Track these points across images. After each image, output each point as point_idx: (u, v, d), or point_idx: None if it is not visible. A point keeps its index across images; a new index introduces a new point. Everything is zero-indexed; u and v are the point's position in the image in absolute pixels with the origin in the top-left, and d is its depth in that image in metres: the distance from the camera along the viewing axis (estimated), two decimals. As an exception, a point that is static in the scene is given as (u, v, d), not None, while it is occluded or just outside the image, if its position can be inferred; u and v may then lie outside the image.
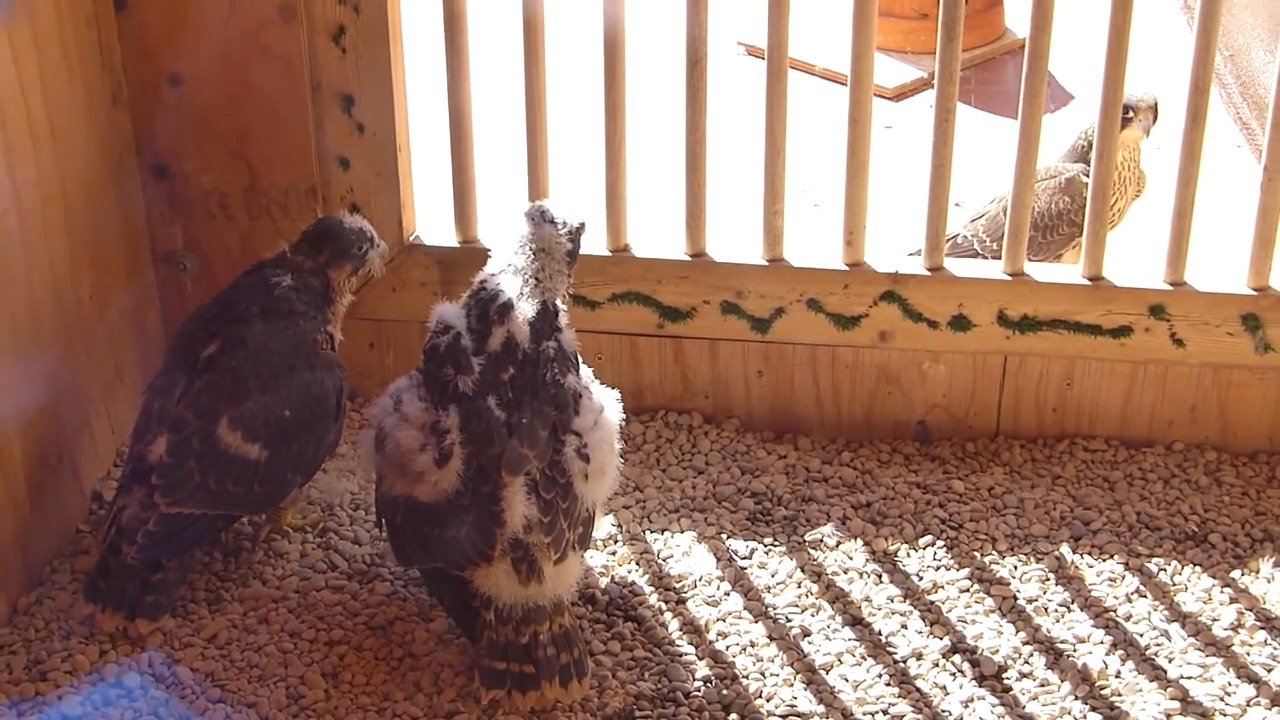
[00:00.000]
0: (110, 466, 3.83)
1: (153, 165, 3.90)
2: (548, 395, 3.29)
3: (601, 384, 3.45)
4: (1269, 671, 3.38)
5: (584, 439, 3.30)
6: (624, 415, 3.44)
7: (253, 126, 3.85)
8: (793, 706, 3.31)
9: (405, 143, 3.93)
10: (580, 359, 3.41)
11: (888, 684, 3.37)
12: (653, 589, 3.59)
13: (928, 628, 3.50)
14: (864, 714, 3.29)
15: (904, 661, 3.42)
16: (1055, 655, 3.43)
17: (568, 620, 3.30)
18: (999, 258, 3.99)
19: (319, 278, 3.57)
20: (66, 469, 3.66)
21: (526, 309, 3.31)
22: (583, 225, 3.48)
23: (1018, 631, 3.49)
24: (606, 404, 3.39)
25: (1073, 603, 3.56)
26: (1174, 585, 3.61)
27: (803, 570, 3.64)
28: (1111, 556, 3.68)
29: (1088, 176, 4.45)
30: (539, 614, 3.26)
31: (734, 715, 3.29)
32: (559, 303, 3.39)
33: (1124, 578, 3.62)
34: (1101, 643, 3.46)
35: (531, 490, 3.24)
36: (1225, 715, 3.28)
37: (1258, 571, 3.63)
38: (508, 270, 3.37)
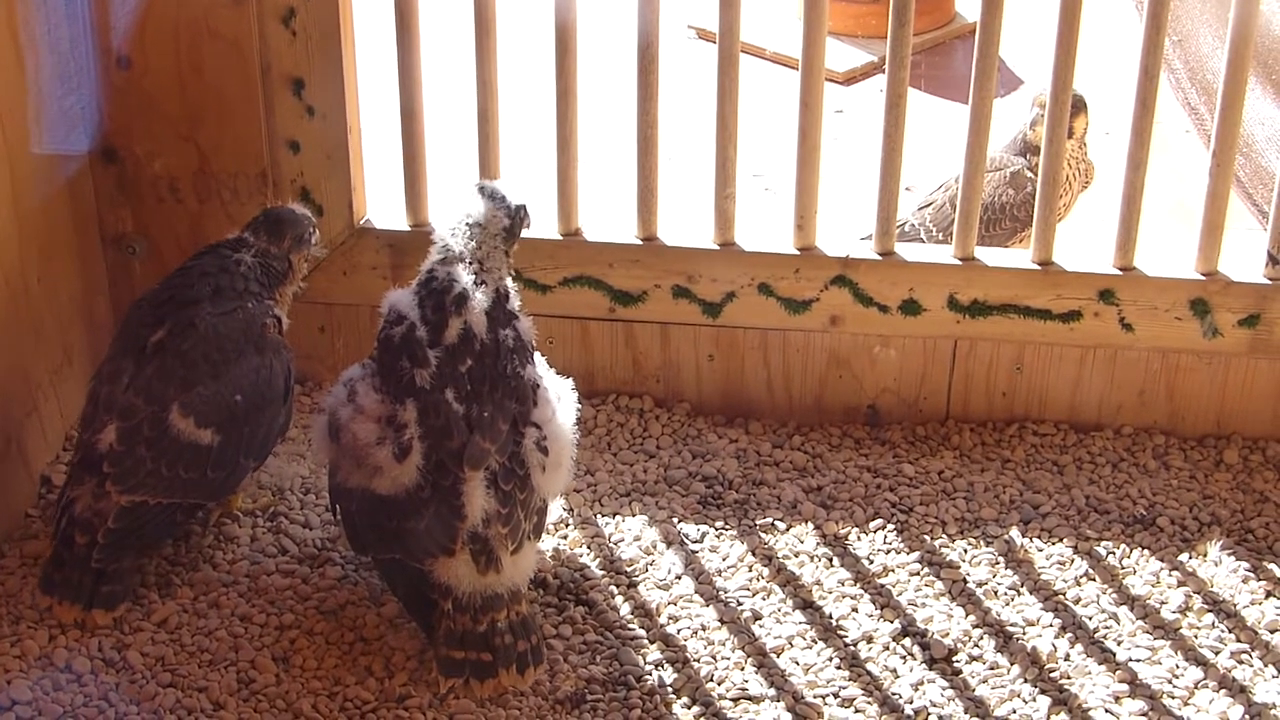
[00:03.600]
0: (59, 451, 3.81)
1: (101, 149, 3.88)
2: (507, 388, 3.28)
3: (554, 370, 3.45)
4: (1216, 654, 3.41)
5: (543, 431, 3.31)
6: (579, 404, 3.45)
7: (202, 110, 3.83)
8: (744, 690, 3.32)
9: (356, 126, 3.92)
10: (534, 346, 3.40)
11: (838, 667, 3.38)
12: (604, 573, 3.59)
13: (878, 611, 3.51)
14: (815, 697, 3.30)
15: (854, 645, 3.43)
16: (1005, 638, 3.45)
17: (524, 608, 3.30)
18: None
19: (280, 263, 3.59)
20: (14, 454, 3.64)
21: (482, 299, 3.30)
22: (522, 206, 3.43)
23: (967, 615, 3.50)
24: (563, 394, 3.40)
25: (1022, 586, 3.58)
26: (1123, 568, 3.63)
27: (754, 554, 3.65)
28: (1060, 540, 3.70)
29: (1032, 171, 4.46)
30: (497, 602, 3.26)
31: (685, 699, 3.30)
32: (509, 283, 3.38)
33: (1073, 561, 3.64)
34: (1051, 626, 3.47)
35: (491, 483, 3.24)
36: (1173, 697, 3.31)
37: (1205, 555, 3.66)
38: (451, 256, 3.35)
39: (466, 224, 3.35)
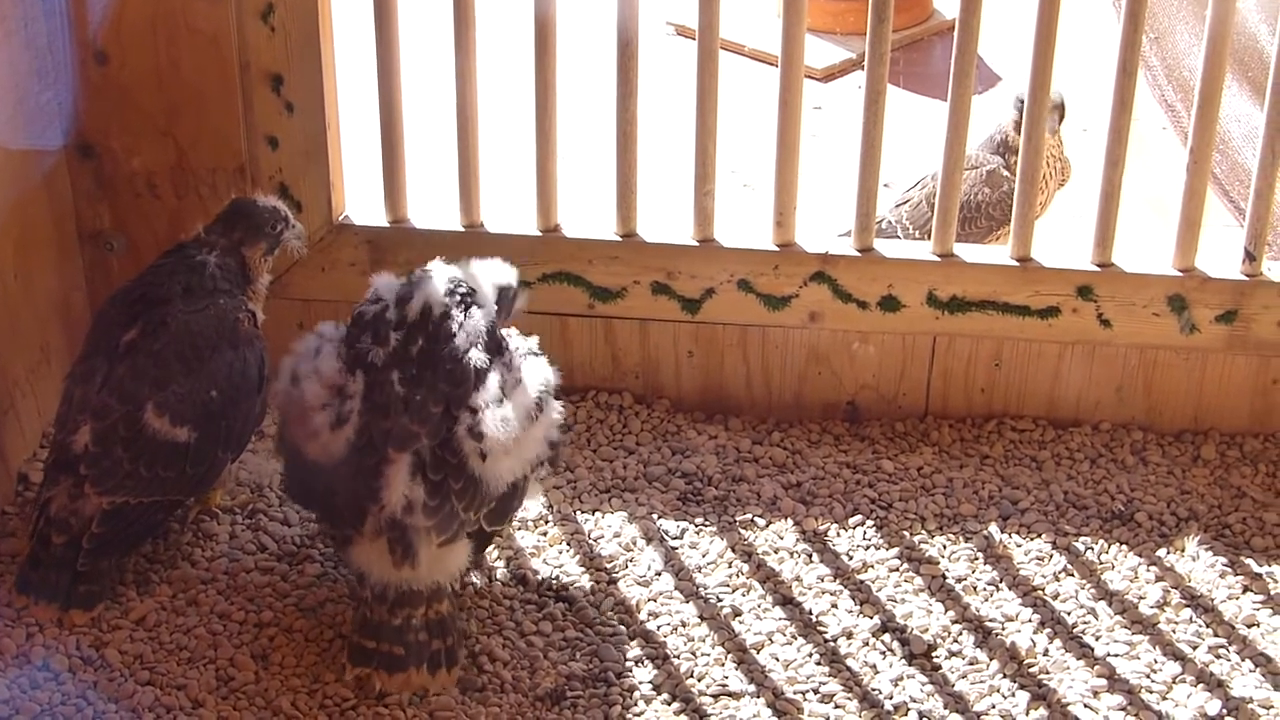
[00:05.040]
0: (36, 448, 3.80)
1: (79, 144, 3.87)
2: (444, 371, 3.27)
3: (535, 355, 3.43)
4: (1194, 649, 3.42)
5: (479, 415, 3.25)
6: (552, 379, 3.41)
7: (180, 105, 3.82)
8: (724, 686, 3.32)
9: (334, 122, 3.91)
10: (499, 334, 3.39)
11: (818, 663, 3.38)
12: (584, 569, 3.59)
13: (858, 607, 3.52)
14: (794, 693, 3.31)
15: (834, 640, 3.43)
16: (984, 634, 3.45)
17: (445, 608, 3.27)
18: None
19: (234, 256, 3.56)
20: (-8, 451, 3.64)
21: (446, 274, 3.35)
22: (511, 286, 3.49)
23: (946, 610, 3.51)
24: (526, 380, 3.35)
25: (1001, 581, 3.59)
26: (1101, 564, 3.64)
27: (733, 550, 3.65)
28: (1039, 535, 3.70)
29: (1009, 170, 4.46)
30: (414, 598, 3.24)
31: (665, 695, 3.30)
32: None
33: (1051, 556, 3.65)
34: (1029, 621, 3.48)
35: (418, 469, 3.22)
36: (1151, 692, 3.32)
37: (1183, 550, 3.67)
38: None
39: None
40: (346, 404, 3.26)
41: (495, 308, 3.41)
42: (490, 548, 3.56)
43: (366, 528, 3.22)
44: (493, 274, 3.47)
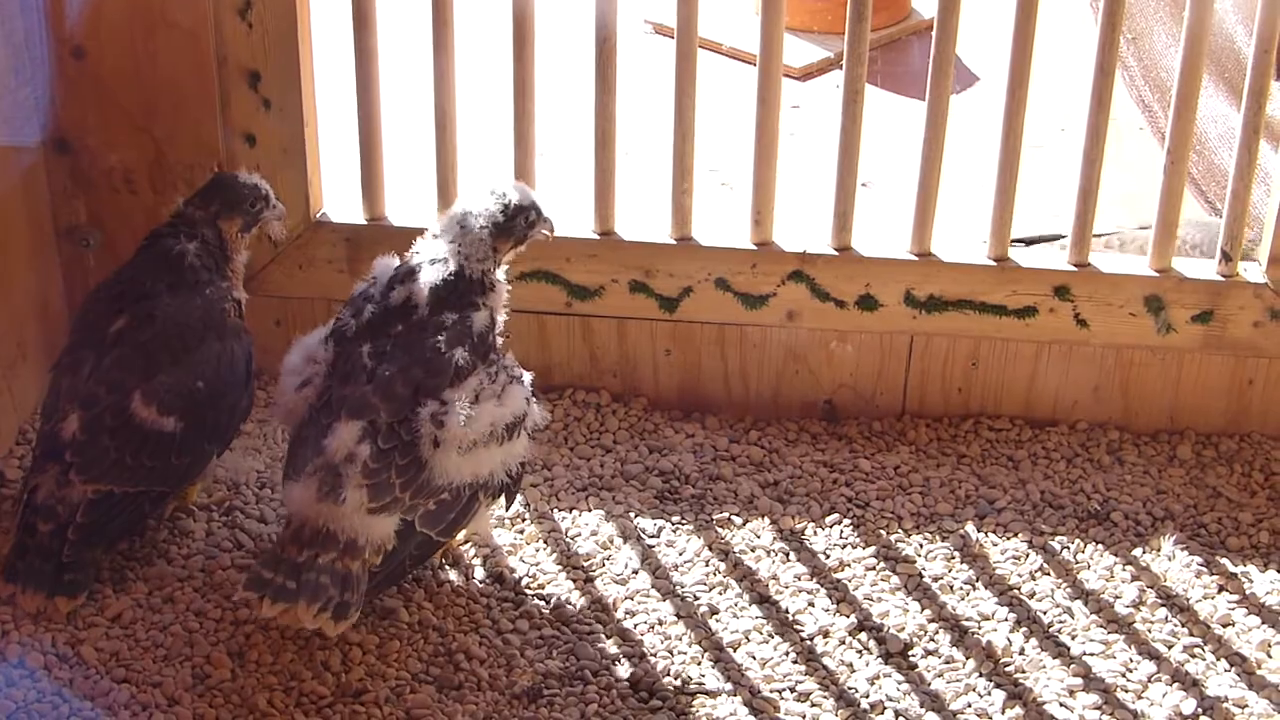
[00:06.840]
0: (12, 445, 3.79)
1: (55, 140, 3.85)
2: (421, 359, 3.28)
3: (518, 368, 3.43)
4: (1169, 648, 3.43)
5: (446, 407, 3.26)
6: (538, 418, 3.42)
7: (158, 101, 3.81)
8: (701, 684, 3.32)
9: (312, 119, 3.91)
10: (494, 342, 3.38)
11: (795, 661, 3.38)
12: (560, 567, 3.59)
13: (834, 605, 3.52)
14: (771, 691, 3.31)
15: (811, 639, 3.44)
16: (960, 633, 3.46)
17: (355, 568, 3.23)
18: None
19: (211, 229, 3.55)
20: (-32, 447, 3.62)
21: (433, 274, 3.32)
22: (526, 207, 3.41)
23: (923, 609, 3.51)
24: (510, 398, 3.34)
25: (977, 580, 3.59)
26: (1077, 563, 3.65)
27: (710, 548, 3.65)
28: (1015, 535, 3.71)
29: None
30: (327, 541, 3.21)
31: (642, 693, 3.30)
32: (498, 276, 3.39)
33: (1028, 556, 3.66)
34: (1005, 620, 3.49)
35: (369, 435, 3.23)
36: (1127, 691, 3.32)
37: (1159, 550, 3.68)
38: (431, 236, 3.39)
39: (457, 211, 3.40)
40: (313, 368, 3.35)
41: (502, 225, 3.38)
42: (435, 558, 3.53)
43: (305, 469, 3.25)
44: (516, 191, 3.43)
